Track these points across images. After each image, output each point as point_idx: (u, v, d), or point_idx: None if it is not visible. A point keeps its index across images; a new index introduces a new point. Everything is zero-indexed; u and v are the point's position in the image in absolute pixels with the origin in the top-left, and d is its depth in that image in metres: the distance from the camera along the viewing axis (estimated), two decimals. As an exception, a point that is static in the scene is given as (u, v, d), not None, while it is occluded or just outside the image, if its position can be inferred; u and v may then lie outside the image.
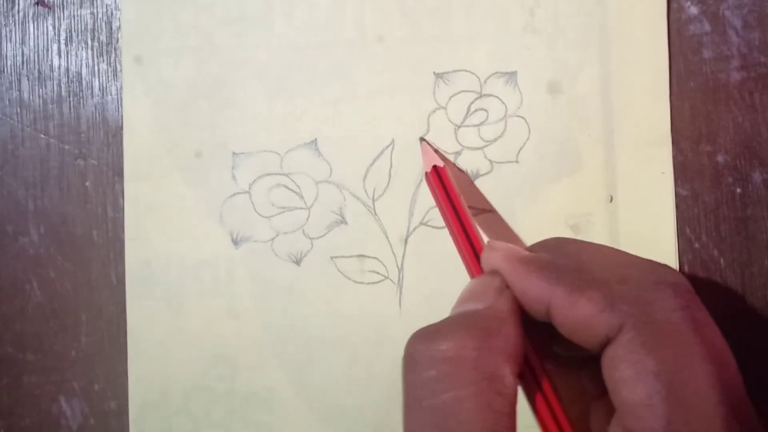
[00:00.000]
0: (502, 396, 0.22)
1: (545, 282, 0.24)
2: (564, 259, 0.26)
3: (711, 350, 0.22)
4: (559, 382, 0.26)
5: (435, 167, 0.31)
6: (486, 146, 0.34)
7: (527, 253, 0.27)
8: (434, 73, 0.34)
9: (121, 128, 0.35)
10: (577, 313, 0.23)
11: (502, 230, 0.33)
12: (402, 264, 0.34)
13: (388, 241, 0.34)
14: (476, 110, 0.34)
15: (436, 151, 0.33)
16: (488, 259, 0.27)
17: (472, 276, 0.28)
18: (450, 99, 0.34)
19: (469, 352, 0.23)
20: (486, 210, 0.34)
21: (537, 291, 0.24)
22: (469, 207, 0.32)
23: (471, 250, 0.29)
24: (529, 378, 0.25)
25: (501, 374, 0.23)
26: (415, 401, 0.23)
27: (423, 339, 0.24)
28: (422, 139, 0.34)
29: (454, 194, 0.30)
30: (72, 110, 0.35)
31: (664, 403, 0.21)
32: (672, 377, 0.21)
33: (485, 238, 0.33)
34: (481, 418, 0.22)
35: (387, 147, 0.34)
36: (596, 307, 0.23)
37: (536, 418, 0.25)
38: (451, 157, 0.34)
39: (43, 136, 0.35)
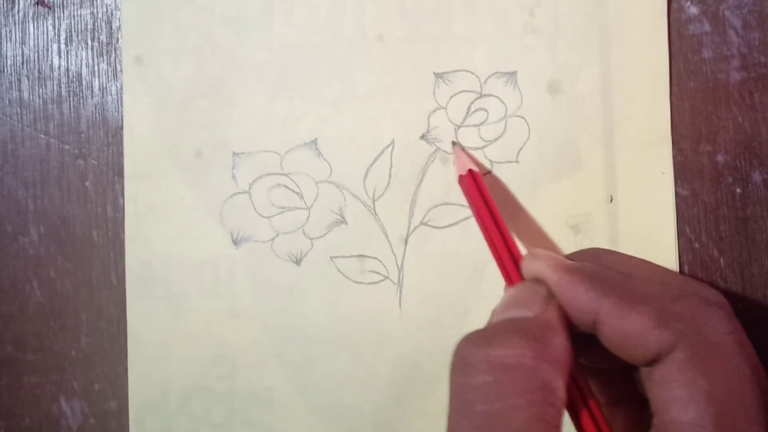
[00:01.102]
0: (554, 408, 0.22)
1: (594, 292, 0.24)
2: (609, 270, 0.25)
3: (756, 376, 0.22)
4: None
5: (471, 171, 0.31)
6: (486, 146, 0.34)
7: (571, 262, 0.26)
8: (434, 73, 0.34)
9: (121, 128, 0.35)
10: (627, 327, 0.23)
11: (534, 236, 0.33)
12: (402, 264, 0.34)
13: (388, 241, 0.34)
14: (476, 110, 0.34)
15: (469, 155, 0.33)
16: (531, 266, 0.27)
17: (509, 283, 0.28)
18: (450, 99, 0.34)
19: (526, 360, 0.22)
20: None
21: (585, 301, 0.24)
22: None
23: (509, 257, 0.28)
24: (574, 391, 0.25)
25: (555, 386, 0.22)
26: (465, 405, 0.22)
27: (479, 343, 0.23)
28: (455, 143, 0.33)
29: (490, 199, 0.30)
30: (72, 110, 0.35)
31: (715, 425, 0.21)
32: (723, 401, 0.21)
33: (520, 244, 0.32)
34: (533, 428, 0.21)
35: (387, 147, 0.34)
36: (649, 323, 0.23)
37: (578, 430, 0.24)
38: (451, 157, 0.34)
39: (43, 136, 0.35)
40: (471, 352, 0.23)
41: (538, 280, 0.26)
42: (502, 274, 0.28)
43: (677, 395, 0.22)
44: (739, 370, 0.22)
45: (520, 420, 0.21)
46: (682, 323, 0.22)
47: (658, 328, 0.22)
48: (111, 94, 0.35)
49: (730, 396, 0.22)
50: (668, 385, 0.22)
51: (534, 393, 0.22)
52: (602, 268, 0.25)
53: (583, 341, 0.25)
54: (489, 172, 0.33)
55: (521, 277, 0.28)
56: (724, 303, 0.24)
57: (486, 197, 0.30)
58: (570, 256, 0.28)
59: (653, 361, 0.23)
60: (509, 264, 0.28)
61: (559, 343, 0.24)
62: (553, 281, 0.25)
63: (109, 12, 0.35)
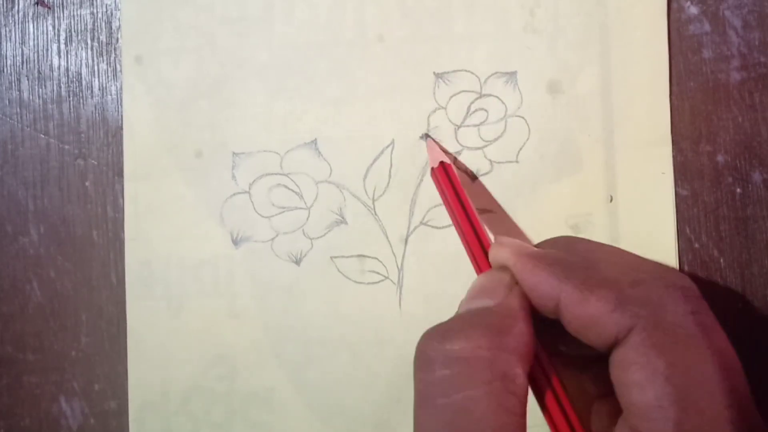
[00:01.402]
0: (515, 396, 0.22)
1: (555, 278, 0.24)
2: (574, 256, 0.26)
3: (719, 355, 0.22)
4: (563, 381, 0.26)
5: (442, 163, 0.31)
6: (486, 146, 0.34)
7: (536, 249, 0.27)
8: (434, 73, 0.34)
9: (121, 128, 0.35)
10: (587, 311, 0.23)
11: (506, 228, 0.33)
12: (402, 264, 0.34)
13: (388, 241, 0.34)
14: (476, 110, 0.34)
15: (441, 147, 0.33)
16: (496, 254, 0.27)
17: (478, 272, 0.28)
18: (450, 99, 0.34)
19: (483, 351, 0.23)
20: (488, 210, 0.34)
21: (547, 287, 0.24)
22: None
23: (478, 245, 0.29)
24: (538, 376, 0.25)
25: (514, 374, 0.23)
26: (427, 399, 0.23)
27: (437, 337, 0.24)
28: (427, 136, 0.34)
29: (460, 189, 0.30)
30: (72, 110, 0.35)
31: (674, 406, 0.21)
32: (682, 381, 0.22)
33: (491, 235, 0.33)
34: (494, 417, 0.22)
35: (387, 147, 0.34)
36: (607, 306, 0.23)
37: (546, 416, 0.25)
38: (451, 158, 0.34)
39: (43, 136, 0.35)
40: (430, 346, 0.24)
41: (504, 268, 0.26)
42: (472, 264, 0.29)
43: (636, 378, 0.22)
44: (699, 351, 0.22)
45: (481, 410, 0.22)
46: (639, 306, 0.23)
47: (616, 311, 0.23)
48: (111, 94, 0.35)
49: (689, 375, 0.22)
50: (628, 369, 0.22)
51: (492, 383, 0.22)
52: (566, 255, 0.26)
53: (559, 327, 0.25)
54: (459, 162, 0.34)
55: (489, 266, 0.28)
56: (688, 286, 0.24)
57: (456, 186, 0.30)
58: (540, 244, 0.28)
59: (613, 345, 0.23)
60: (478, 253, 0.28)
61: (519, 330, 0.24)
62: (516, 267, 0.26)
63: (108, 12, 0.35)
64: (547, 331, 0.25)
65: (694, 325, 0.23)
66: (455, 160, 0.34)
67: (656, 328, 0.22)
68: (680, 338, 0.22)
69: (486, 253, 0.28)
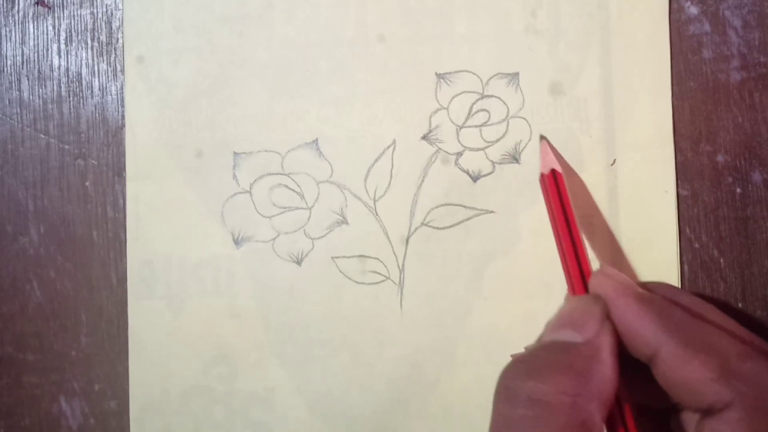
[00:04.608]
0: None
1: (659, 328, 0.24)
2: (678, 308, 0.25)
3: None
4: None
5: (553, 171, 0.30)
6: (488, 147, 0.34)
7: (641, 290, 0.26)
8: (436, 73, 0.34)
9: (121, 128, 0.35)
10: (687, 373, 0.23)
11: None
12: (403, 264, 0.34)
13: (389, 241, 0.34)
14: (478, 111, 0.34)
15: (556, 153, 0.33)
16: (598, 284, 0.26)
17: (572, 292, 0.28)
18: (452, 99, 0.34)
19: (566, 397, 0.23)
20: (489, 211, 0.33)
21: (648, 335, 0.24)
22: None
23: (577, 266, 0.28)
24: (616, 420, 0.24)
25: (592, 422, 0.23)
26: None
27: (522, 372, 0.24)
28: (542, 138, 0.33)
29: (568, 204, 0.29)
30: (72, 110, 0.35)
31: None
32: None
33: (592, 254, 0.32)
34: None
35: (388, 147, 0.34)
36: (710, 374, 0.23)
37: None
38: (452, 158, 0.34)
39: (43, 136, 0.35)
40: (514, 383, 0.23)
41: (598, 298, 0.26)
42: (567, 282, 0.28)
43: None
44: None
45: None
46: (743, 382, 0.22)
47: (719, 381, 0.22)
48: (111, 94, 0.35)
49: None
50: None
51: (570, 429, 0.22)
52: (671, 305, 0.25)
53: (645, 372, 0.25)
54: (572, 171, 0.33)
55: (585, 290, 0.27)
56: None
57: (564, 201, 0.29)
58: (643, 285, 0.27)
59: (706, 412, 0.23)
60: (575, 273, 0.28)
61: (603, 375, 0.24)
62: (619, 306, 0.25)
63: (109, 12, 0.35)
64: (631, 372, 0.25)
65: None
66: (455, 162, 0.33)
67: (757, 410, 0.22)
68: None
69: (584, 276, 0.27)
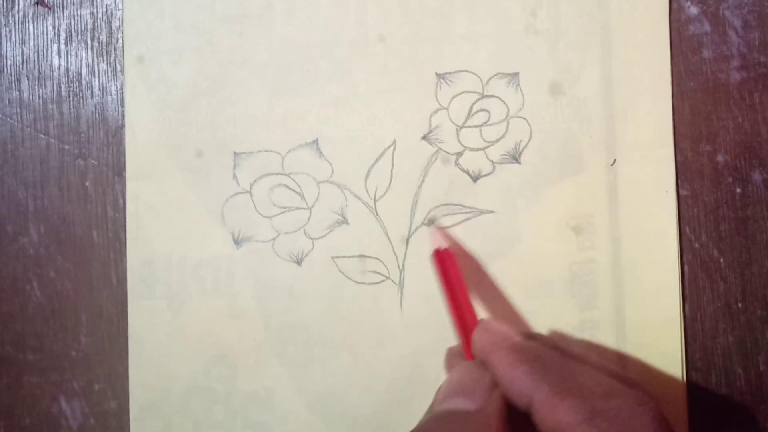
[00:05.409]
0: None
1: (531, 376, 0.25)
2: (552, 353, 0.26)
3: None
4: None
5: (437, 250, 0.32)
6: (488, 147, 0.34)
7: (518, 339, 0.27)
8: (436, 73, 0.34)
9: (121, 128, 0.35)
10: (556, 417, 0.24)
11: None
12: (403, 264, 0.34)
13: (390, 241, 0.34)
14: (478, 111, 0.34)
15: (444, 234, 0.33)
16: (478, 341, 0.28)
17: (468, 356, 0.29)
18: (452, 99, 0.34)
19: None
20: (489, 211, 0.34)
21: (522, 385, 0.25)
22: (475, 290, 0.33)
23: (465, 333, 0.29)
24: None
25: None
26: None
27: None
28: (430, 223, 0.34)
29: (458, 277, 0.31)
30: (72, 110, 0.35)
31: None
32: None
33: (485, 314, 0.33)
34: None
35: (389, 147, 0.34)
36: (576, 417, 0.23)
37: None
38: (452, 158, 0.34)
39: (43, 136, 0.35)
40: None
41: (485, 363, 0.27)
42: (464, 348, 0.29)
43: None
44: None
45: None
46: (608, 421, 0.23)
47: (586, 423, 0.23)
48: (111, 94, 0.35)
49: None
50: None
51: None
52: (546, 350, 0.26)
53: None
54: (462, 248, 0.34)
55: (472, 355, 0.28)
56: (654, 405, 0.24)
57: (454, 275, 0.31)
58: (525, 334, 0.28)
59: None
60: (465, 340, 0.29)
61: None
62: (494, 360, 0.26)
63: (109, 12, 0.35)
64: (523, 421, 0.26)
65: None
66: (455, 162, 0.34)
67: None
68: None
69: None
